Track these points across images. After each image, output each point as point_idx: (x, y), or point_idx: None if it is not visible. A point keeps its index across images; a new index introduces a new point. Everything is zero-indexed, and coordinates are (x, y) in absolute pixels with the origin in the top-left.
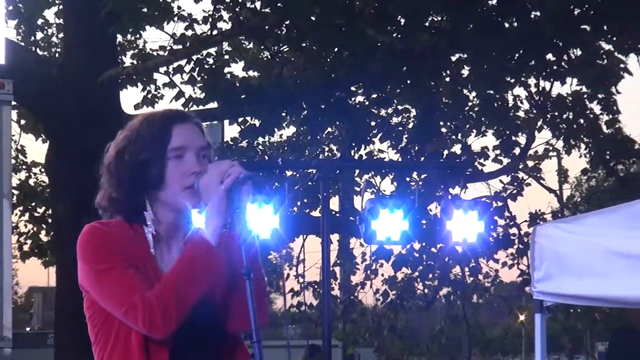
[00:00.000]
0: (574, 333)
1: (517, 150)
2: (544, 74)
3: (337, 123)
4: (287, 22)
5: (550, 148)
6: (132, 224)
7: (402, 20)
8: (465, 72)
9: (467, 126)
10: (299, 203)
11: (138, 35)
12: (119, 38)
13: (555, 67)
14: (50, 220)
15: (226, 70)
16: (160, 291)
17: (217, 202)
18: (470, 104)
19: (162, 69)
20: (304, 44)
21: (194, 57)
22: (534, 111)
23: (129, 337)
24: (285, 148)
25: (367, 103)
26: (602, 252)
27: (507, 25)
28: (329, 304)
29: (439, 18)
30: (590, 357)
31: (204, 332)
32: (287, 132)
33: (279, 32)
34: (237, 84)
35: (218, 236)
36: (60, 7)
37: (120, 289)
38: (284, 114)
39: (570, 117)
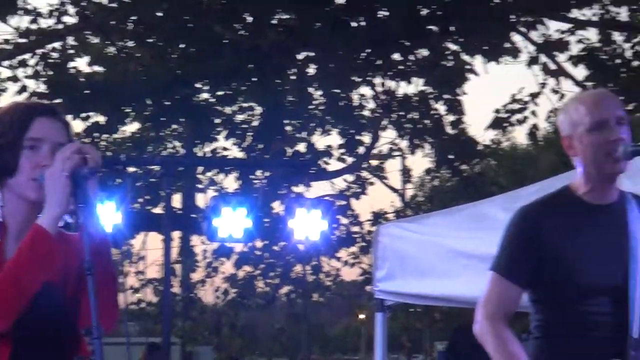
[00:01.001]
0: (414, 332)
1: (361, 150)
2: (390, 73)
3: (182, 120)
4: (133, 18)
5: (395, 147)
6: None
7: (250, 18)
8: (311, 70)
9: (312, 125)
10: (141, 200)
11: None
12: None
13: (401, 67)
14: None
15: (71, 65)
16: None
17: (57, 190)
18: (315, 102)
19: (6, 63)
20: (149, 40)
21: (39, 51)
22: (379, 110)
23: None
24: (128, 144)
25: (212, 100)
26: (444, 252)
27: (354, 24)
28: (170, 302)
29: (287, 16)
30: (428, 356)
31: (50, 327)
32: (130, 128)
33: (125, 27)
34: (82, 80)
35: (56, 225)
36: None
37: None
38: (128, 110)
39: (415, 117)
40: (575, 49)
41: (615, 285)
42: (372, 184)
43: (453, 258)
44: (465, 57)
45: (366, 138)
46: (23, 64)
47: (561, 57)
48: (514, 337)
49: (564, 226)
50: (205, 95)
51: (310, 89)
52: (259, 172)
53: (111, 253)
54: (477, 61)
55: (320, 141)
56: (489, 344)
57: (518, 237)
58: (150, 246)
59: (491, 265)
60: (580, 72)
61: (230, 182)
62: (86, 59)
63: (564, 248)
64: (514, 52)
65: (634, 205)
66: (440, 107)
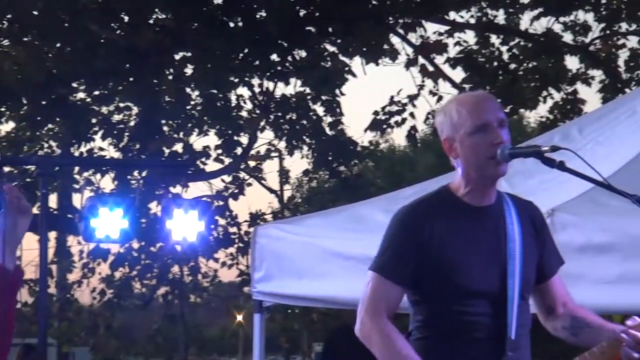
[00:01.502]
0: (292, 333)
1: (239, 150)
2: (268, 74)
3: (58, 119)
4: (8, 16)
5: (273, 148)
6: None
7: (126, 17)
8: (188, 70)
9: (190, 125)
10: None
11: None
12: None
13: (279, 68)
14: None
15: None
16: None
17: None
18: (193, 102)
19: None
20: (25, 39)
21: None
22: (257, 111)
23: None
24: (4, 144)
25: (88, 100)
26: (321, 254)
27: (232, 24)
28: (46, 302)
29: (164, 16)
30: (307, 357)
31: None
32: (5, 127)
33: (0, 25)
34: None
35: None
36: None
37: None
38: (2, 109)
39: (294, 118)
40: (453, 51)
41: (494, 287)
42: (250, 184)
43: (331, 259)
44: (344, 59)
45: (244, 139)
46: None
47: (439, 59)
48: (400, 334)
49: (445, 227)
50: (81, 95)
51: (188, 89)
52: (136, 173)
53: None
54: (356, 62)
55: (197, 141)
56: (374, 343)
57: (399, 237)
58: (25, 247)
59: (371, 265)
60: (458, 74)
61: (107, 183)
62: None
63: (444, 249)
64: (393, 54)
65: (511, 206)
66: (319, 109)
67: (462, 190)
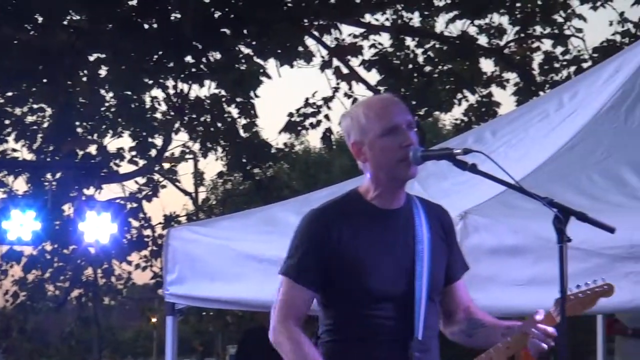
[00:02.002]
0: (206, 336)
1: (153, 152)
2: (182, 76)
3: None
4: None
5: (187, 150)
6: None
7: (40, 18)
8: (103, 72)
9: (104, 127)
10: None
11: None
12: None
13: (194, 70)
14: None
15: None
16: None
17: None
18: (107, 104)
19: None
20: None
21: None
22: (172, 113)
23: None
24: None
25: (1, 101)
26: (235, 256)
27: (146, 26)
28: None
29: (78, 17)
30: (220, 359)
31: None
32: None
33: None
34: None
35: None
36: None
37: None
38: None
39: (208, 120)
40: (368, 53)
41: (401, 289)
42: (164, 186)
43: (244, 262)
44: (259, 60)
45: (158, 140)
46: None
47: (354, 62)
48: (308, 340)
49: (353, 231)
50: None
51: (102, 91)
52: (49, 174)
53: None
54: (271, 64)
55: (111, 143)
56: (284, 348)
57: (307, 240)
58: None
59: (280, 269)
60: (373, 76)
61: (20, 184)
62: None
63: (352, 253)
64: (307, 56)
65: (420, 209)
66: (233, 110)
67: (371, 193)
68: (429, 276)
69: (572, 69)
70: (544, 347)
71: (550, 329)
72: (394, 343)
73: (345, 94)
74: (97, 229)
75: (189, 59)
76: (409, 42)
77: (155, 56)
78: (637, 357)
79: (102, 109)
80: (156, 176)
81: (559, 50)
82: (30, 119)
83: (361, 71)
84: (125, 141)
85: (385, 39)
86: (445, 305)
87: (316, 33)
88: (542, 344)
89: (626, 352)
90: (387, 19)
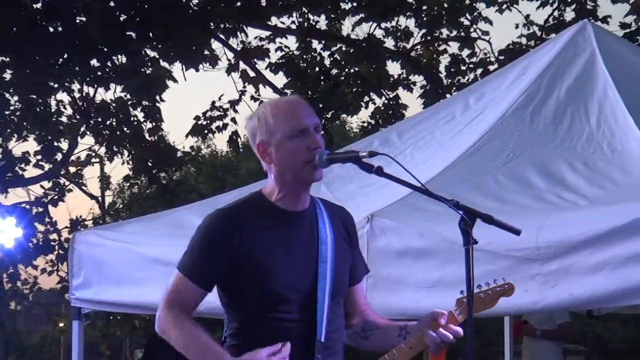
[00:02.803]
0: (114, 340)
1: (59, 156)
2: (88, 79)
3: None
4: None
5: (93, 154)
6: None
7: None
8: (7, 75)
9: (8, 130)
10: None
11: None
12: None
13: (99, 73)
14: None
15: None
16: None
17: None
18: (12, 108)
19: None
20: None
21: None
22: (77, 117)
23: None
24: None
25: None
26: (141, 259)
27: (51, 29)
28: None
29: None
30: None
31: None
32: None
33: None
34: None
35: None
36: None
37: None
38: None
39: (114, 123)
40: (274, 56)
41: (305, 290)
42: (70, 190)
43: (150, 265)
44: (164, 64)
45: (64, 144)
46: None
47: (261, 65)
48: (196, 322)
49: (256, 233)
50: None
51: (7, 94)
52: None
53: None
54: (177, 68)
55: (17, 147)
56: (171, 335)
57: (207, 240)
58: None
59: (178, 263)
60: (280, 79)
61: None
62: None
63: (254, 255)
64: (213, 59)
65: (324, 211)
66: (139, 114)
67: (276, 195)
68: (332, 277)
69: (479, 71)
70: (440, 351)
71: (456, 329)
72: (297, 345)
73: (252, 97)
74: (1, 233)
75: (94, 62)
76: (316, 44)
77: (61, 59)
78: (544, 358)
79: (7, 112)
80: (62, 180)
81: (465, 52)
82: None
83: (268, 74)
84: (31, 145)
85: (291, 42)
86: (344, 307)
87: (222, 36)
88: (438, 347)
89: (534, 354)
90: (293, 22)
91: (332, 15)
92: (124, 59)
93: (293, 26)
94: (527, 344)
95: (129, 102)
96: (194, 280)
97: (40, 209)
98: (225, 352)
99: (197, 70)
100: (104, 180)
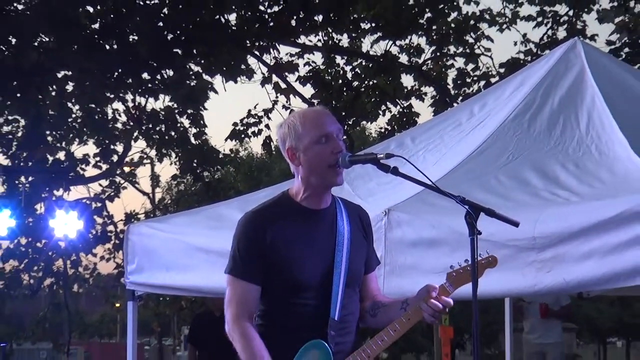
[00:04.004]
0: (163, 318)
1: (115, 158)
2: (140, 90)
3: None
4: None
5: (145, 156)
6: None
7: (14, 40)
8: (70, 87)
9: (71, 135)
10: None
11: None
12: None
13: (150, 85)
14: None
15: None
16: None
17: None
18: (73, 115)
19: None
20: None
21: None
22: (131, 123)
23: None
24: None
25: None
26: (186, 248)
27: (107, 46)
28: None
29: (47, 39)
30: (176, 339)
31: None
32: None
33: None
34: None
35: None
36: None
37: None
38: None
39: (163, 129)
40: (303, 70)
41: (322, 278)
42: (125, 188)
43: (194, 253)
44: (207, 77)
45: (119, 147)
46: None
47: (291, 78)
48: (256, 334)
49: (283, 230)
50: None
51: (69, 104)
52: (23, 178)
53: None
54: (217, 80)
55: (78, 150)
56: (236, 343)
57: (244, 240)
58: None
59: (226, 268)
60: (308, 90)
61: None
62: None
63: (281, 250)
64: (249, 73)
65: (342, 208)
66: (185, 121)
67: (301, 195)
68: (347, 265)
69: (482, 83)
70: (434, 319)
71: (446, 300)
72: (314, 325)
73: (284, 106)
74: (65, 225)
75: (145, 75)
76: (339, 60)
77: (116, 73)
78: (552, 333)
79: (69, 119)
80: (118, 179)
81: (470, 67)
82: (5, 129)
83: (297, 86)
84: (90, 148)
85: (318, 58)
86: (360, 293)
87: (257, 53)
88: (432, 317)
89: (544, 329)
90: (319, 40)
91: (354, 34)
92: (171, 73)
93: (319, 44)
94: (534, 323)
95: (176, 110)
96: (245, 278)
97: (99, 204)
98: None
99: (236, 82)
100: (154, 178)
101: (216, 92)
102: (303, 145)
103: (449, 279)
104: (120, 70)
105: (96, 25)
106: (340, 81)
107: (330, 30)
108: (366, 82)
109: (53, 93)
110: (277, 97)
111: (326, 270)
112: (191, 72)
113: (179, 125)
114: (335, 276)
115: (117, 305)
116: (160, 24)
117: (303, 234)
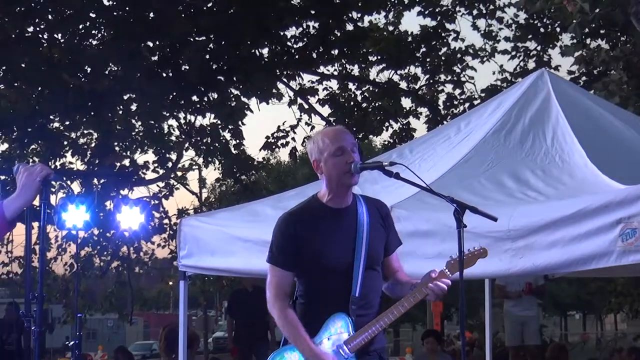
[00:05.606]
0: (208, 294)
1: (170, 164)
2: (190, 110)
3: (40, 142)
4: (3, 67)
5: (194, 163)
6: None
7: (89, 69)
8: (133, 107)
9: (134, 146)
10: None
11: None
12: None
13: (198, 106)
14: None
15: None
16: None
17: (33, 190)
18: (136, 130)
19: None
20: (16, 84)
21: None
22: (183, 137)
23: None
24: (0, 159)
25: (61, 128)
26: (228, 238)
27: (164, 74)
28: (30, 273)
29: (115, 68)
30: (218, 311)
31: None
32: (1, 147)
33: None
34: None
35: (15, 211)
36: None
37: None
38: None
39: (209, 141)
40: (322, 94)
41: (346, 263)
42: (177, 189)
43: (234, 242)
44: (244, 99)
45: (173, 156)
46: None
47: (312, 100)
48: (292, 310)
49: (313, 226)
50: (56, 124)
51: (133, 121)
52: (95, 180)
53: None
54: (253, 102)
55: (140, 158)
56: (276, 317)
57: (282, 236)
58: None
59: (267, 258)
60: (326, 110)
61: (75, 187)
62: None
63: (312, 242)
64: (279, 96)
65: (363, 204)
66: (227, 135)
67: (326, 197)
68: (367, 251)
69: (467, 105)
70: (436, 299)
71: (446, 281)
72: (339, 301)
73: (306, 123)
74: (130, 219)
75: (195, 98)
76: (351, 86)
77: (171, 96)
78: (531, 307)
79: (133, 133)
80: (172, 181)
81: (457, 92)
82: (82, 140)
83: (317, 107)
84: (150, 156)
85: (334, 84)
86: (383, 271)
87: (285, 80)
88: (435, 296)
89: (525, 304)
90: (335, 70)
91: (363, 65)
92: (216, 96)
93: (335, 73)
94: (518, 299)
95: (219, 126)
96: (283, 267)
97: (156, 202)
98: (307, 336)
99: (267, 103)
100: (201, 181)
101: (252, 111)
102: (324, 158)
103: (448, 266)
104: (174, 94)
105: (155, 57)
106: (352, 103)
107: (344, 62)
108: (373, 103)
109: (120, 112)
110: (301, 115)
111: (349, 256)
112: (232, 95)
113: (221, 138)
114: (356, 260)
115: (171, 283)
116: (207, 56)
117: (329, 229)
